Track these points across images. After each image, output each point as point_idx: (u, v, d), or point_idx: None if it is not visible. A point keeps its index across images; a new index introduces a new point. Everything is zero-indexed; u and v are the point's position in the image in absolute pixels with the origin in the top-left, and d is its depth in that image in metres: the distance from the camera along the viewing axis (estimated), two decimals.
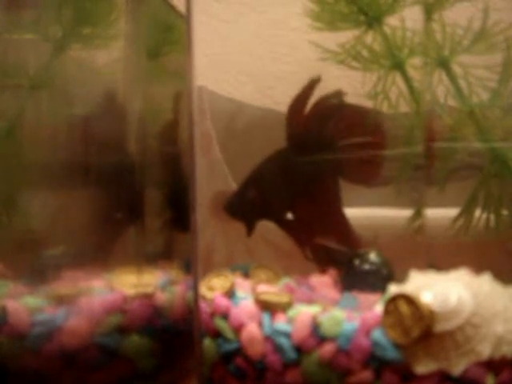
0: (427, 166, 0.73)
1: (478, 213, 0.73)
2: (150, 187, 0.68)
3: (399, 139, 0.74)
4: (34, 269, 0.65)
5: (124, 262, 0.67)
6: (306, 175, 0.76)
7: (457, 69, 0.73)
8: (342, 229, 0.76)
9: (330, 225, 0.76)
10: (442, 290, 0.60)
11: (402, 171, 0.74)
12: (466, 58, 0.72)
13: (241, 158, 0.79)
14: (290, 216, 0.78)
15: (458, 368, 0.58)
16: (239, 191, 0.78)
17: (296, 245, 0.77)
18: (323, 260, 0.76)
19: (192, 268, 0.65)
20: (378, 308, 0.62)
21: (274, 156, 0.77)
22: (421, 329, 0.58)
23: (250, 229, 0.78)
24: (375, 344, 0.59)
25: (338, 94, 0.75)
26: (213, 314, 0.65)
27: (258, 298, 0.65)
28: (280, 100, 0.77)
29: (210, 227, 0.80)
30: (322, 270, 0.75)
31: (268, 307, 0.64)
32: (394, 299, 0.60)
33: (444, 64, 0.73)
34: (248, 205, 0.77)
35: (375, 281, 0.69)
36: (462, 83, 0.72)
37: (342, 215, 0.76)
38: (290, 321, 0.63)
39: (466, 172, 0.73)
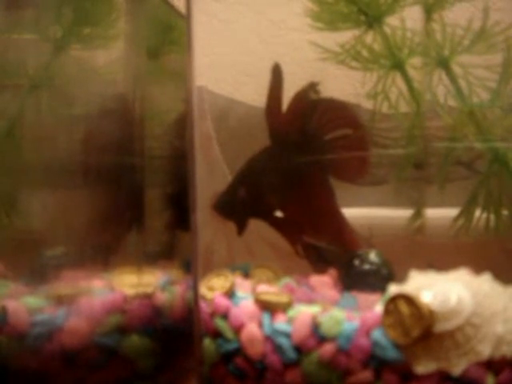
0: (424, 166, 0.73)
1: (478, 213, 0.73)
2: (150, 187, 0.68)
3: (384, 135, 0.74)
4: (34, 269, 0.65)
5: (124, 262, 0.67)
6: (293, 172, 0.76)
7: (457, 69, 0.73)
8: (336, 227, 0.76)
9: (321, 222, 0.76)
10: (442, 290, 0.60)
11: (401, 171, 0.74)
12: (466, 58, 0.72)
13: (241, 158, 0.79)
14: (279, 213, 0.78)
15: (458, 368, 0.58)
16: (228, 189, 0.78)
17: (287, 242, 0.77)
18: (314, 258, 0.75)
19: (192, 268, 0.65)
20: (378, 308, 0.62)
21: (260, 154, 0.77)
22: (421, 329, 0.58)
23: (241, 227, 0.77)
24: (375, 344, 0.59)
25: (313, 86, 0.75)
26: (213, 314, 0.65)
27: (258, 298, 0.65)
28: None
29: (210, 227, 0.80)
30: (316, 268, 0.75)
31: (268, 307, 0.64)
32: (394, 299, 0.60)
33: (444, 64, 0.73)
34: (238, 203, 0.77)
35: (375, 281, 0.69)
36: (462, 83, 0.72)
37: (336, 213, 0.76)
38: (290, 321, 0.63)
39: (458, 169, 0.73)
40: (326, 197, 0.76)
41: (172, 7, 0.72)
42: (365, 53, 0.75)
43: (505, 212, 0.72)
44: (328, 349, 0.61)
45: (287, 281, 0.71)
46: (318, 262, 0.75)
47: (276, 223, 0.77)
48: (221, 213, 0.78)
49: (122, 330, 0.64)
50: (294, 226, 0.77)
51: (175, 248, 0.72)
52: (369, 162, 0.74)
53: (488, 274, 0.63)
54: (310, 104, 0.75)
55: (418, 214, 0.75)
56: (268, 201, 0.77)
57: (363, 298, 0.68)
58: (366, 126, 0.75)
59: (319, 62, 0.75)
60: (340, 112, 0.75)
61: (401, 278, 0.65)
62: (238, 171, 0.78)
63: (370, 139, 0.74)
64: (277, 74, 0.75)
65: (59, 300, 0.63)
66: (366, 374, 0.60)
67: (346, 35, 0.76)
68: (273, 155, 0.76)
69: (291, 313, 0.64)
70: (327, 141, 0.75)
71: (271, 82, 0.75)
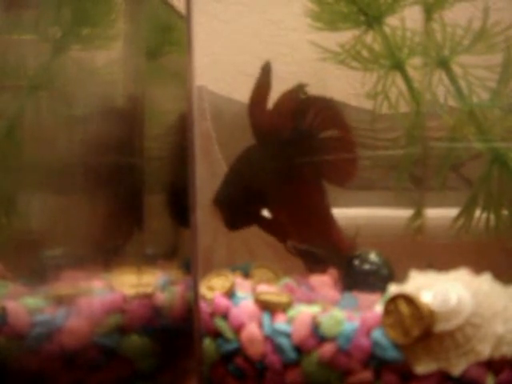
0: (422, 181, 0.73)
1: (478, 213, 0.73)
2: (149, 187, 0.68)
3: (373, 136, 0.74)
4: (34, 269, 0.65)
5: (124, 262, 0.67)
6: (277, 172, 0.75)
7: (457, 69, 0.73)
8: (322, 226, 0.75)
9: (307, 222, 0.76)
10: (442, 290, 0.60)
11: (400, 173, 0.74)
12: (466, 58, 0.72)
13: None
14: (267, 213, 0.78)
15: (457, 368, 0.58)
16: (223, 186, 0.78)
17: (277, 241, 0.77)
18: (305, 257, 0.75)
19: (192, 268, 0.65)
20: (378, 308, 0.62)
21: (244, 153, 0.77)
22: (421, 329, 0.58)
23: (234, 223, 0.77)
24: (375, 344, 0.59)
25: (302, 87, 0.75)
26: (213, 314, 0.65)
27: (258, 298, 0.65)
28: None
29: (211, 227, 0.80)
30: (308, 268, 0.74)
31: (268, 307, 0.64)
32: (394, 299, 0.60)
33: (444, 64, 0.73)
34: (230, 200, 0.77)
35: (375, 281, 0.69)
36: (462, 83, 0.72)
37: (325, 213, 0.75)
38: (290, 321, 0.63)
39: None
40: (311, 196, 0.76)
41: (172, 7, 0.72)
42: (365, 53, 0.75)
43: (505, 212, 0.72)
44: (328, 349, 0.61)
45: (287, 281, 0.71)
46: (309, 261, 0.75)
47: (263, 224, 0.77)
48: (218, 207, 0.78)
49: (122, 330, 0.64)
50: (281, 226, 0.76)
51: (175, 248, 0.72)
52: (358, 164, 0.74)
53: (488, 274, 0.63)
54: (302, 103, 0.75)
55: (418, 214, 0.75)
56: (253, 201, 0.77)
57: (363, 297, 0.67)
58: (355, 127, 0.74)
59: (319, 62, 0.75)
60: (333, 112, 0.74)
61: (401, 278, 0.65)
62: (226, 171, 0.78)
63: (357, 141, 0.74)
64: (265, 72, 0.75)
65: (59, 300, 0.63)
66: (366, 374, 0.60)
67: (346, 35, 0.75)
68: (256, 154, 0.76)
69: (291, 313, 0.64)
70: (318, 140, 0.74)
71: (258, 80, 0.75)
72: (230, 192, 0.77)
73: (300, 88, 0.74)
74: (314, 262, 0.74)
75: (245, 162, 0.77)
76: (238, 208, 0.77)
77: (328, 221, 0.75)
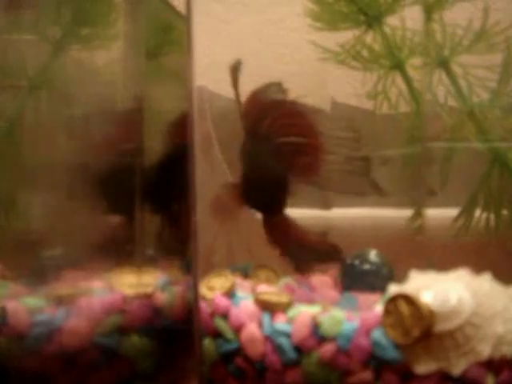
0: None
1: (478, 213, 0.73)
2: (149, 187, 0.68)
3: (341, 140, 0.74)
4: (34, 269, 0.65)
5: (124, 262, 0.67)
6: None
7: (457, 69, 0.73)
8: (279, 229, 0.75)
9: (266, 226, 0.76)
10: (442, 290, 0.60)
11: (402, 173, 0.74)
12: (466, 58, 0.73)
13: None
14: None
15: (457, 368, 0.58)
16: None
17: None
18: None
19: (192, 268, 0.65)
20: (378, 308, 0.62)
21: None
22: (421, 329, 0.58)
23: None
24: (375, 344, 0.59)
25: (276, 86, 0.74)
26: (213, 314, 0.65)
27: (258, 298, 0.65)
28: None
29: (211, 227, 0.80)
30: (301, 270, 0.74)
31: (268, 307, 0.64)
32: (394, 299, 0.60)
33: (444, 64, 0.73)
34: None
35: (375, 281, 0.69)
36: (462, 83, 0.72)
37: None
38: (290, 321, 0.63)
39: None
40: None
41: (172, 7, 0.72)
42: (365, 53, 0.75)
43: (505, 212, 0.72)
44: (328, 349, 0.61)
45: (287, 281, 0.71)
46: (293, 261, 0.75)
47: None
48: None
49: (122, 330, 0.64)
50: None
51: (175, 248, 0.72)
52: (319, 167, 0.74)
53: (488, 274, 0.63)
54: (267, 105, 0.74)
55: (418, 214, 0.75)
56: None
57: (363, 298, 0.68)
58: (323, 133, 0.74)
59: (319, 62, 0.75)
60: (295, 119, 0.74)
61: (401, 278, 0.65)
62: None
63: (325, 147, 0.73)
64: (235, 69, 0.75)
65: (59, 300, 0.63)
66: (366, 374, 0.60)
67: (346, 35, 0.76)
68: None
69: (291, 313, 0.64)
70: (276, 145, 0.74)
71: (231, 77, 0.75)
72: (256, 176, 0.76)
73: (270, 87, 0.74)
74: (296, 262, 0.75)
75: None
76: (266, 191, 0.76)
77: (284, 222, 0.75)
